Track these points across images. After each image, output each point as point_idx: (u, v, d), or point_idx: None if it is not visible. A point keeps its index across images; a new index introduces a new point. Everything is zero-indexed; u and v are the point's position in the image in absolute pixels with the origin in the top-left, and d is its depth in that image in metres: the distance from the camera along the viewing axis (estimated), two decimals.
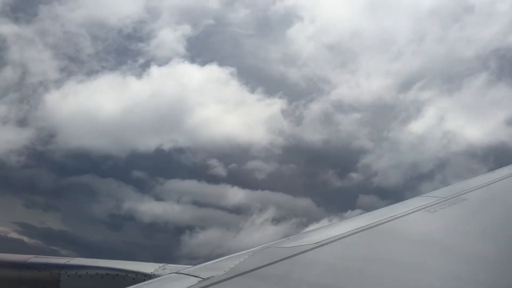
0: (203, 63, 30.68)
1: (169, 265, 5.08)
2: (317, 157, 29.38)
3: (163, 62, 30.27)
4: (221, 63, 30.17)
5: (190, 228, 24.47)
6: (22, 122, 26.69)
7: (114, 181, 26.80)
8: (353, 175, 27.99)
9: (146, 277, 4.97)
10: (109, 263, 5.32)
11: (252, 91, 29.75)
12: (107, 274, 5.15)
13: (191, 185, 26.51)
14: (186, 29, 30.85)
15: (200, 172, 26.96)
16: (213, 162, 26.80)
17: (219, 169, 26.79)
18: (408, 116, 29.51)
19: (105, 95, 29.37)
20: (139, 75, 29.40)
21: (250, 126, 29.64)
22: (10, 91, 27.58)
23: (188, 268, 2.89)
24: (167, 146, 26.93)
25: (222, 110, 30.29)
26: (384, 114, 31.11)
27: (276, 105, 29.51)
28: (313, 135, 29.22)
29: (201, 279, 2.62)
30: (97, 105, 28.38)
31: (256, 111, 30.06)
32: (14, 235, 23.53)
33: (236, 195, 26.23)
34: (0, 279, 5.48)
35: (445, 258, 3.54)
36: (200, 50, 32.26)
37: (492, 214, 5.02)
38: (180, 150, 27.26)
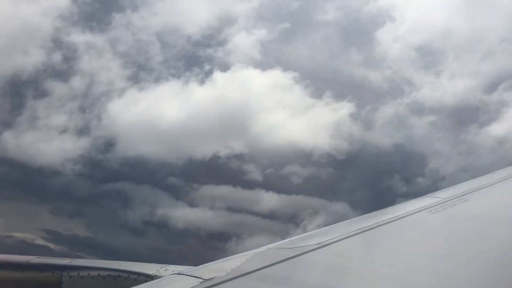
0: (270, 67, 30.06)
1: (170, 266, 5.09)
2: (384, 161, 28.01)
3: (227, 67, 29.75)
4: (289, 68, 29.29)
5: (236, 235, 24.31)
6: (81, 131, 26.65)
7: (149, 187, 26.64)
8: (420, 180, 26.51)
9: (148, 278, 4.98)
10: (111, 264, 5.33)
11: (320, 95, 28.92)
12: (109, 275, 5.16)
13: (225, 191, 26.06)
14: (261, 33, 30.07)
15: (236, 178, 26.55)
16: (250, 167, 26.35)
17: (256, 174, 26.19)
18: (489, 118, 27.60)
19: (168, 102, 29.05)
20: (201, 81, 29.06)
21: (315, 131, 28.45)
22: (74, 100, 27.53)
23: (190, 269, 2.89)
24: (223, 152, 26.40)
25: (287, 115, 29.30)
26: (463, 117, 29.33)
27: (345, 109, 28.27)
28: (383, 139, 27.75)
29: (203, 280, 2.63)
30: (159, 113, 28.16)
31: (322, 116, 28.88)
32: (40, 241, 23.78)
33: (270, 200, 25.66)
34: (2, 280, 5.50)
35: (447, 259, 3.54)
36: (271, 54, 31.31)
37: (494, 215, 5.01)
38: (238, 157, 26.62)
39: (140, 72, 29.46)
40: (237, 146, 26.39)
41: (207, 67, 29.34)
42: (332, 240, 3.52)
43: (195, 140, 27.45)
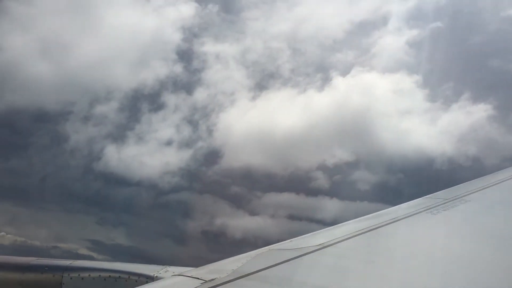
0: (394, 71, 28.90)
1: (171, 267, 5.08)
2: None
3: (347, 71, 28.65)
4: (426, 69, 27.57)
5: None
6: (187, 144, 26.52)
7: (210, 197, 26.19)
8: None
9: (148, 279, 4.97)
10: (111, 265, 5.33)
11: (457, 98, 27.25)
12: (109, 276, 5.16)
13: (288, 198, 25.28)
14: (411, 34, 28.76)
15: (301, 185, 25.68)
16: (317, 174, 25.48)
17: (322, 181, 25.32)
18: None
19: (285, 109, 28.23)
20: (321, 88, 28.24)
21: (440, 136, 26.53)
22: (188, 112, 27.44)
23: (191, 270, 2.88)
24: (330, 161, 25.44)
25: (410, 119, 27.65)
26: None
27: (482, 112, 26.11)
28: None
29: (204, 281, 2.62)
30: (274, 121, 27.56)
31: (456, 120, 26.89)
32: (84, 251, 23.72)
33: (333, 207, 24.65)
34: (3, 281, 5.49)
35: (447, 260, 3.53)
36: (418, 57, 29.32)
37: (495, 216, 5.00)
38: (348, 165, 25.52)
39: (265, 80, 28.81)
40: (344, 154, 25.21)
41: (328, 72, 28.38)
42: (333, 241, 3.52)
43: (305, 149, 26.44)
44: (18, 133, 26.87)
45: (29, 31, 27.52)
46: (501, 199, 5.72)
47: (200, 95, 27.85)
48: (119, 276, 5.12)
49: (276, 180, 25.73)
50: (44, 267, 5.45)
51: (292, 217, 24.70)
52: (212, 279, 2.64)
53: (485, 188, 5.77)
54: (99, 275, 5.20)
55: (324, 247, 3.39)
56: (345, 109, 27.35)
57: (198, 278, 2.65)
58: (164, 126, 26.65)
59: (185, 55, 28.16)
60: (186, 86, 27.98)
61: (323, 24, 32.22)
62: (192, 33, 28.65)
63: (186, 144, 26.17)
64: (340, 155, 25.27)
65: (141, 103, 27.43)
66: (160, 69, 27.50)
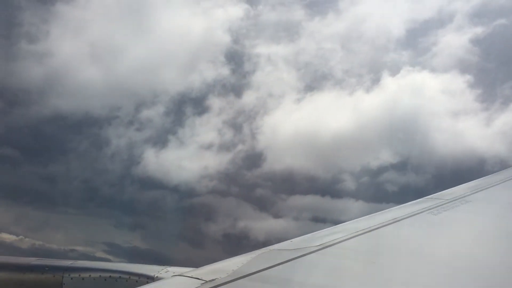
0: (446, 70, 27.46)
1: (171, 267, 5.08)
2: None
3: (397, 71, 27.65)
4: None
5: None
6: (227, 147, 26.25)
7: (234, 200, 25.97)
8: None
9: (149, 279, 4.97)
10: (112, 265, 5.33)
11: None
12: (110, 276, 5.16)
13: (313, 201, 24.87)
14: (475, 31, 27.45)
15: (327, 187, 25.24)
16: (345, 176, 25.02)
17: (349, 183, 24.83)
18: None
19: (331, 111, 27.50)
20: (369, 88, 27.32)
21: (498, 138, 25.04)
22: (232, 115, 27.12)
23: (191, 270, 2.88)
24: (374, 164, 24.80)
25: (462, 120, 26.50)
26: None
27: None
28: None
29: (204, 281, 2.62)
30: (321, 123, 26.80)
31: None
32: (101, 254, 23.90)
33: (358, 209, 24.28)
34: (3, 282, 5.50)
35: (448, 260, 3.52)
36: (480, 55, 27.82)
37: (496, 216, 4.99)
38: (394, 167, 24.75)
39: (315, 82, 28.06)
40: (391, 156, 24.43)
41: (379, 73, 27.57)
42: (333, 242, 3.51)
43: (351, 151, 25.71)
44: (60, 139, 26.84)
45: (81, 35, 27.46)
46: (502, 199, 5.72)
47: (247, 97, 27.53)
48: (120, 277, 5.12)
49: (317, 183, 25.28)
50: (44, 267, 5.45)
51: (316, 220, 24.47)
52: (213, 279, 2.64)
53: (486, 188, 5.77)
54: (100, 276, 5.20)
55: (324, 247, 3.39)
56: (393, 110, 26.54)
57: (198, 279, 2.65)
58: (207, 130, 26.49)
59: (234, 57, 27.82)
60: (233, 88, 27.71)
61: (383, 23, 31.39)
62: (241, 35, 28.25)
63: (227, 147, 25.91)
64: (386, 157, 24.63)
65: (186, 106, 27.24)
66: (208, 72, 27.25)
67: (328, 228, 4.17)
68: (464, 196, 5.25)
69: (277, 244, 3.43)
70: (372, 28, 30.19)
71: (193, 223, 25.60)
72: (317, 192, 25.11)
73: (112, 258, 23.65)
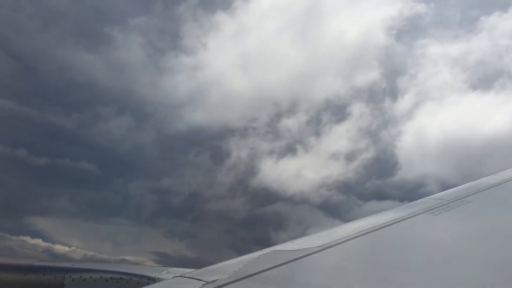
0: None
1: (172, 268, 5.09)
2: None
3: None
4: None
5: None
6: (357, 156, 25.56)
7: (307, 207, 25.64)
8: None
9: (150, 280, 4.98)
10: (113, 266, 5.34)
11: None
12: (111, 277, 5.17)
13: (389, 206, 24.55)
14: None
15: (409, 192, 24.69)
16: (429, 180, 24.50)
17: (432, 187, 24.15)
18: None
19: (494, 112, 25.85)
20: None
21: None
22: (375, 120, 26.10)
23: (192, 271, 2.88)
24: None
25: None
26: None
27: None
28: None
29: (205, 282, 2.62)
30: (473, 126, 25.27)
31: None
32: (149, 263, 23.91)
33: None
34: (5, 283, 5.50)
35: (449, 261, 3.52)
36: None
37: (497, 217, 4.99)
38: None
39: (483, 82, 26.45)
40: None
41: None
42: (335, 242, 3.51)
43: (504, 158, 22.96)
44: (181, 152, 26.95)
45: (236, 45, 27.47)
46: (503, 199, 5.71)
47: (395, 102, 26.09)
48: (121, 278, 5.12)
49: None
50: (46, 269, 5.46)
51: None
52: (214, 280, 2.64)
53: (487, 189, 5.76)
54: (101, 277, 5.21)
55: (325, 248, 3.39)
56: None
57: (199, 279, 2.65)
58: (340, 138, 25.82)
59: (388, 59, 26.61)
60: (382, 93, 26.60)
61: None
62: (399, 35, 26.99)
63: (356, 155, 25.21)
64: None
65: (326, 114, 26.49)
66: (359, 77, 26.39)
67: (329, 228, 4.18)
68: (465, 197, 5.25)
69: (279, 245, 3.43)
70: None
71: (263, 232, 25.42)
72: (396, 198, 24.46)
73: (160, 267, 23.69)
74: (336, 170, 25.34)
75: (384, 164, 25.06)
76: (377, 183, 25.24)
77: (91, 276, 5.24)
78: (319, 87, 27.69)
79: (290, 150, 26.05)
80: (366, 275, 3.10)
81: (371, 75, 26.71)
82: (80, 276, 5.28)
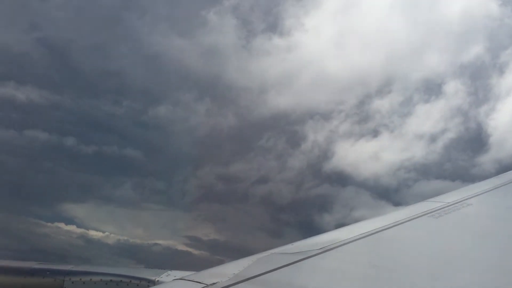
0: None
1: (172, 271, 5.08)
2: None
3: None
4: None
5: None
6: (436, 137, 23.59)
7: (354, 188, 24.04)
8: None
9: (150, 283, 4.98)
10: (113, 269, 5.33)
11: None
12: (111, 280, 5.16)
13: (440, 187, 22.31)
14: None
15: (463, 172, 22.97)
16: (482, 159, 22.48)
17: (488, 166, 22.01)
18: None
19: None
20: None
21: None
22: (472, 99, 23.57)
23: (192, 274, 2.88)
24: None
25: None
26: None
27: None
28: None
29: (205, 285, 2.62)
30: None
31: None
32: (182, 247, 23.75)
33: None
34: (5, 286, 5.50)
35: (449, 264, 3.52)
36: None
37: (497, 220, 4.99)
38: None
39: None
40: None
41: None
42: (335, 245, 3.51)
43: None
44: (254, 138, 25.59)
45: (334, 24, 25.13)
46: (503, 202, 5.71)
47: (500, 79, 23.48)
48: (121, 280, 5.12)
49: None
50: (45, 272, 5.45)
51: None
52: (214, 283, 2.64)
53: (487, 191, 5.76)
54: (101, 279, 5.20)
55: (325, 250, 3.39)
56: None
57: (199, 282, 2.65)
58: (429, 118, 23.88)
59: (493, 32, 23.74)
60: (487, 68, 23.70)
61: None
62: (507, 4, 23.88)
63: (440, 136, 23.12)
64: None
65: (419, 93, 24.37)
66: (461, 53, 24.00)
67: (330, 231, 4.17)
68: (465, 199, 5.24)
69: (278, 248, 3.43)
70: None
71: (308, 215, 24.17)
72: (447, 178, 22.39)
73: (192, 250, 23.55)
74: (419, 152, 23.56)
75: (472, 144, 23.25)
76: (463, 164, 23.40)
77: (91, 279, 5.24)
78: (417, 65, 25.70)
79: (373, 132, 24.35)
80: (366, 278, 3.10)
81: (474, 50, 24.41)
82: (80, 279, 5.28)
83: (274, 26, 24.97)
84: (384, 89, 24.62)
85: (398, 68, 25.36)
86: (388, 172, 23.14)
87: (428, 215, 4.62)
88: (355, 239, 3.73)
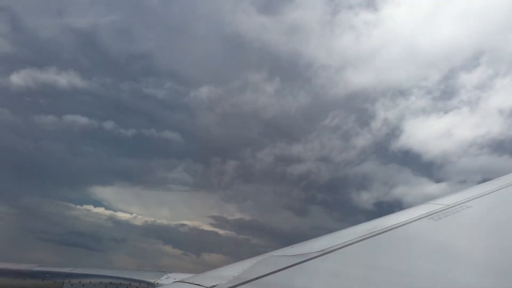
0: None
1: (172, 273, 5.08)
2: None
3: None
4: None
5: None
6: None
7: (396, 166, 24.40)
8: None
9: (149, 285, 4.97)
10: (112, 272, 5.32)
11: None
12: (110, 283, 5.15)
13: (484, 163, 22.36)
14: None
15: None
16: None
17: None
18: None
19: None
20: None
21: None
22: None
23: (192, 277, 2.88)
24: None
25: None
26: None
27: None
28: None
29: (205, 287, 2.62)
30: None
31: None
32: (207, 227, 24.40)
33: None
34: None
35: (449, 266, 3.52)
36: None
37: (497, 222, 4.98)
38: None
39: None
40: None
41: None
42: (334, 247, 3.51)
43: None
44: (320, 117, 25.28)
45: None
46: (503, 205, 5.71)
47: None
48: (120, 283, 5.11)
49: None
50: (45, 274, 5.44)
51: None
52: (213, 286, 2.63)
53: (487, 194, 5.76)
54: (100, 282, 5.19)
55: (325, 253, 3.38)
56: None
57: (199, 285, 2.65)
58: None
59: None
60: None
61: None
62: None
63: None
64: None
65: (508, 67, 23.89)
66: None
67: (330, 233, 4.17)
68: (465, 202, 5.24)
69: (278, 250, 3.43)
70: None
71: (344, 194, 24.50)
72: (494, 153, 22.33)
73: (218, 230, 24.39)
74: (496, 128, 23.45)
75: None
76: None
77: (90, 281, 5.23)
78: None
79: (452, 108, 24.22)
80: (366, 280, 3.09)
81: None
82: (79, 281, 5.27)
83: (362, 0, 24.31)
84: (472, 62, 23.83)
85: (490, 41, 24.30)
86: (462, 149, 22.47)
87: (428, 217, 4.62)
88: (355, 241, 3.73)
